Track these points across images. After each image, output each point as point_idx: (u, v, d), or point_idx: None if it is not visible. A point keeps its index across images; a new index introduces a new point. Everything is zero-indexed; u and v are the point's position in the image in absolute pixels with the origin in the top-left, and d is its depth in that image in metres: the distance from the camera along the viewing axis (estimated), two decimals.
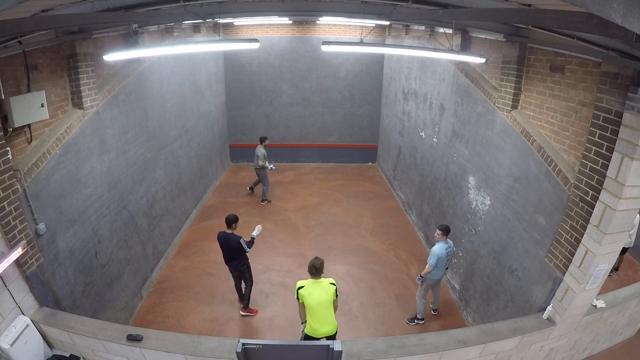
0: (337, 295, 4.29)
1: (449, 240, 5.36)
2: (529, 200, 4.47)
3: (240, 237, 5.45)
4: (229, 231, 5.48)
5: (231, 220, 5.49)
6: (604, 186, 3.29)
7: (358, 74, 11.55)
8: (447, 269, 5.59)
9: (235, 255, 5.54)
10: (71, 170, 4.43)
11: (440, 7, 3.94)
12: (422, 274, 5.41)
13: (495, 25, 4.63)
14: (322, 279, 4.28)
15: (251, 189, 10.16)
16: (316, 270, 4.20)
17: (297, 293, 4.23)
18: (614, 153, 3.16)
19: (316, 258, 4.26)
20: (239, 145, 12.18)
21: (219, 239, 5.54)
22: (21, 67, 3.71)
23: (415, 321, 5.73)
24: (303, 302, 4.22)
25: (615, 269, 6.59)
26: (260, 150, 9.22)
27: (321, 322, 4.19)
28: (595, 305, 4.21)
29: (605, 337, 4.92)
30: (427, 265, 5.28)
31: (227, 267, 5.74)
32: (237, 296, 6.02)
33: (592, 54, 3.42)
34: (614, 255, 3.57)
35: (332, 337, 4.28)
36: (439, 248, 5.21)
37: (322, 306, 4.19)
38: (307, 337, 4.33)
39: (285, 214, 9.11)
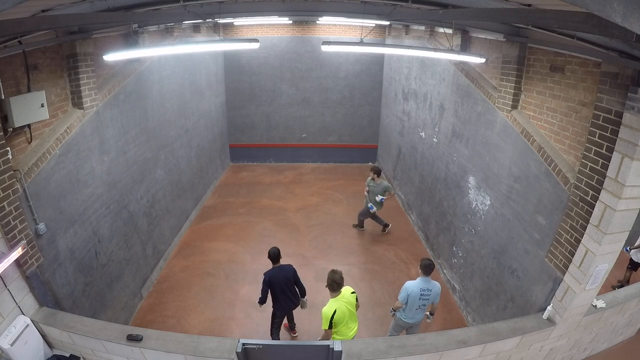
0: (357, 299, 4.24)
1: (431, 281, 4.46)
2: (529, 200, 4.47)
3: (291, 265, 4.93)
4: (277, 265, 4.85)
5: (277, 255, 4.83)
6: (604, 186, 3.29)
7: (358, 74, 11.55)
8: (431, 314, 4.73)
9: (291, 286, 4.88)
10: (71, 170, 4.43)
11: (440, 7, 3.94)
12: (393, 307, 4.73)
13: (495, 25, 4.63)
14: (342, 292, 4.05)
15: (359, 226, 8.33)
16: (337, 285, 3.96)
17: (331, 323, 3.91)
18: (614, 153, 3.16)
19: (334, 272, 3.97)
20: (239, 145, 12.19)
21: (271, 278, 4.72)
22: (21, 67, 3.71)
23: None
24: (334, 326, 3.96)
25: (625, 283, 6.55)
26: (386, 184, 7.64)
27: (346, 334, 4.07)
28: (595, 305, 4.21)
29: (605, 337, 4.92)
30: (397, 300, 4.56)
31: (277, 310, 4.98)
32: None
33: (592, 54, 3.42)
34: (614, 256, 3.56)
35: None
36: (412, 285, 4.43)
37: (351, 319, 4.12)
38: None
39: (285, 214, 9.11)
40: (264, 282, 4.72)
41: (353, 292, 4.17)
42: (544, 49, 4.23)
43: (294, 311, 5.31)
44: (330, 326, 3.97)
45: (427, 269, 4.41)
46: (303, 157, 12.33)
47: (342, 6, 5.56)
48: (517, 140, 4.67)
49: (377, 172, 7.67)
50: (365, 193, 7.94)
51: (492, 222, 5.27)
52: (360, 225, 8.33)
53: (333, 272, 4.01)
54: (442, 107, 7.10)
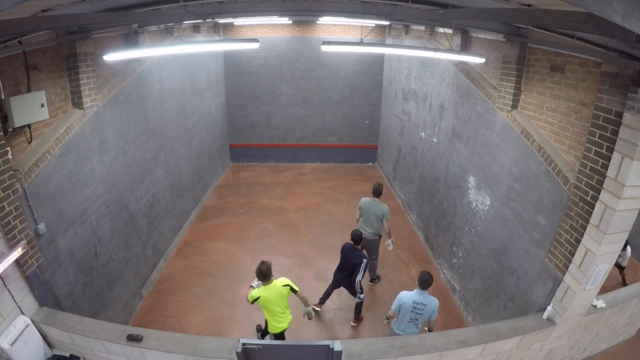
0: (295, 291, 4.41)
1: (428, 295, 4.20)
2: (529, 200, 4.47)
3: (366, 258, 5.30)
4: (356, 246, 5.38)
5: (357, 238, 5.34)
6: (604, 186, 3.29)
7: (358, 74, 11.56)
8: (429, 330, 4.43)
9: (349, 270, 5.35)
10: (71, 170, 4.43)
11: (440, 7, 3.94)
12: (387, 315, 4.60)
13: (495, 25, 4.63)
14: (273, 282, 4.32)
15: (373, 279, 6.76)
16: (264, 276, 4.23)
17: (254, 301, 4.27)
18: (614, 153, 3.16)
19: (262, 263, 4.25)
20: (239, 145, 12.19)
21: (342, 248, 5.50)
22: (21, 67, 3.71)
23: None
24: (261, 306, 4.37)
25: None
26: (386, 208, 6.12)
27: (279, 321, 4.47)
28: (595, 305, 4.21)
29: (605, 337, 4.92)
30: (391, 309, 4.42)
31: (334, 274, 5.67)
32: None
33: (592, 54, 3.42)
34: (614, 256, 3.57)
35: (280, 335, 4.63)
36: (406, 295, 4.24)
37: (279, 308, 4.40)
38: (265, 333, 4.89)
39: (285, 214, 9.10)
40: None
41: (286, 285, 4.36)
42: (544, 49, 4.23)
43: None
44: (251, 302, 4.30)
45: (424, 283, 4.18)
46: (303, 157, 12.33)
47: (342, 6, 5.56)
48: (517, 140, 4.67)
49: (379, 191, 6.20)
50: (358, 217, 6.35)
51: (492, 222, 5.27)
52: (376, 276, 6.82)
53: (262, 263, 4.25)
54: (442, 107, 7.10)
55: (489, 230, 5.36)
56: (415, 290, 4.25)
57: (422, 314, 4.23)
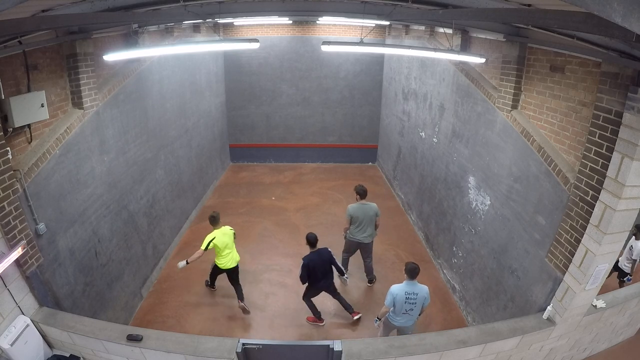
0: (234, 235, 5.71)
1: (417, 284, 4.36)
2: (529, 200, 4.47)
3: (327, 248, 5.48)
4: (315, 249, 5.36)
5: (315, 240, 5.35)
6: (604, 186, 3.29)
7: (358, 74, 11.55)
8: (419, 315, 4.62)
9: (328, 269, 5.44)
10: (71, 170, 4.43)
11: (440, 7, 3.94)
12: (379, 315, 4.63)
13: (495, 25, 4.63)
14: (222, 227, 5.58)
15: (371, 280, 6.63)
16: (216, 221, 5.55)
17: (210, 243, 5.37)
18: (614, 153, 3.16)
19: (213, 212, 5.62)
20: (239, 145, 12.19)
21: (309, 262, 5.20)
22: (21, 67, 3.71)
23: None
24: (214, 248, 5.45)
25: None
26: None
27: (228, 259, 5.62)
28: (595, 305, 4.21)
29: (605, 337, 4.92)
30: (384, 305, 4.49)
31: (313, 288, 5.53)
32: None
33: (592, 54, 3.42)
34: (614, 256, 3.57)
35: (235, 269, 5.76)
36: (397, 288, 4.36)
37: (228, 248, 5.58)
38: (216, 268, 5.82)
39: (285, 214, 9.10)
40: (303, 266, 5.23)
41: (231, 229, 5.70)
42: (544, 49, 4.23)
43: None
44: (206, 249, 5.40)
45: (412, 272, 4.29)
46: (303, 157, 12.32)
47: (342, 6, 5.56)
48: (517, 140, 4.67)
49: (364, 192, 6.07)
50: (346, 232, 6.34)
51: (492, 222, 5.27)
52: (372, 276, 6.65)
53: (213, 212, 5.66)
54: (442, 107, 7.10)
55: (489, 230, 5.36)
56: (404, 282, 4.37)
57: (415, 303, 4.38)
